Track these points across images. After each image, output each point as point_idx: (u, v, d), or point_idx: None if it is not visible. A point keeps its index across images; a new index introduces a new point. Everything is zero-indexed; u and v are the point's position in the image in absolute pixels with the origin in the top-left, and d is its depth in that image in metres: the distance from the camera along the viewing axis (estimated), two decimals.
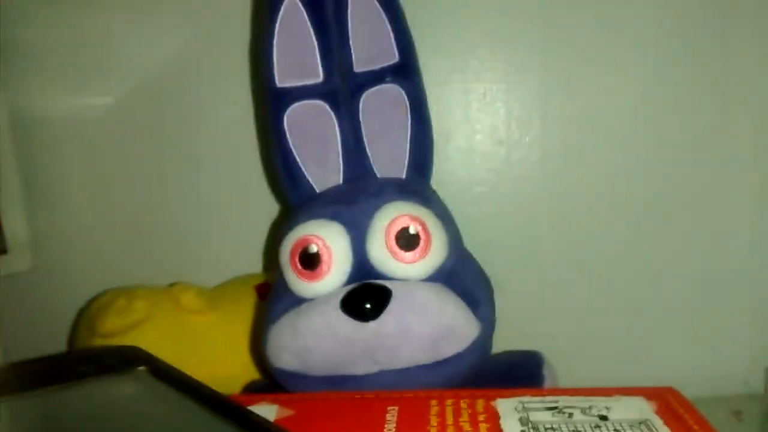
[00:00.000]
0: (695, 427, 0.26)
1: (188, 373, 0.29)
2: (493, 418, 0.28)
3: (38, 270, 0.51)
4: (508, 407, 0.29)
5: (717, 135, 0.49)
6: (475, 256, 0.40)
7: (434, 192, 0.39)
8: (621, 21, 0.49)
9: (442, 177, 0.46)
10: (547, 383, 0.37)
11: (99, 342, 0.41)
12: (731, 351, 0.51)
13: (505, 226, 0.51)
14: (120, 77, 0.50)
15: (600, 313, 0.51)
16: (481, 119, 0.50)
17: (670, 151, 0.50)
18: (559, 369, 0.39)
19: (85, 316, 0.44)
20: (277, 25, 0.37)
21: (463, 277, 0.35)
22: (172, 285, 0.44)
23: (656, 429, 0.26)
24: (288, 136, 0.38)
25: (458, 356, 0.33)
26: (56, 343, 0.49)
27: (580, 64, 0.49)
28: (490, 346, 0.36)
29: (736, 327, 0.51)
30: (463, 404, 0.29)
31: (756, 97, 0.49)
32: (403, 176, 0.39)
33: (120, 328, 0.41)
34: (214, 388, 0.28)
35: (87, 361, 0.31)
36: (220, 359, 0.43)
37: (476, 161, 0.50)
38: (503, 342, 0.39)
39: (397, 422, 0.28)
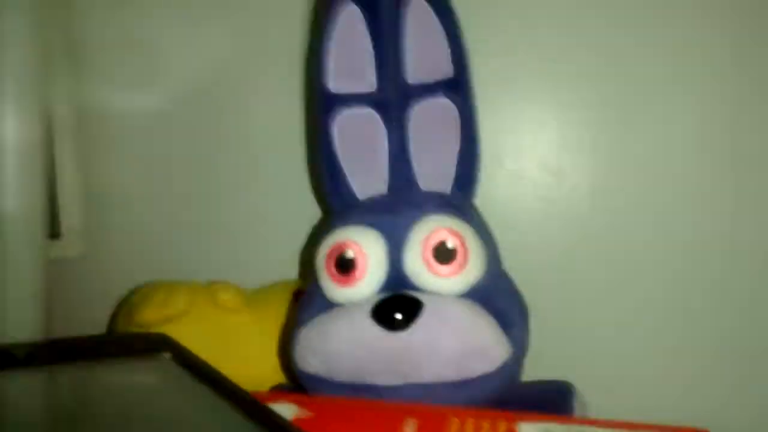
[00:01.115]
0: None
1: (220, 369, 0.29)
2: None
3: (87, 257, 0.52)
4: (530, 431, 0.28)
5: None
6: (512, 280, 0.39)
7: (476, 209, 0.39)
8: (681, 57, 0.47)
9: (489, 201, 0.45)
10: (576, 415, 0.36)
11: (135, 331, 0.42)
12: (759, 393, 0.48)
13: (551, 257, 0.50)
14: (175, 79, 0.52)
15: (637, 353, 0.49)
16: (533, 145, 0.49)
17: (724, 196, 0.48)
18: (592, 406, 0.38)
19: (126, 304, 0.45)
20: (335, 30, 0.37)
21: (498, 297, 0.35)
22: (211, 282, 0.45)
23: None
24: (335, 141, 0.38)
25: (486, 377, 0.33)
26: (97, 328, 0.50)
27: (637, 91, 0.48)
28: (519, 371, 0.35)
29: (764, 370, 0.49)
30: (484, 424, 0.29)
31: None
32: (448, 191, 0.38)
33: (157, 320, 0.41)
34: (244, 386, 0.28)
35: (116, 343, 0.31)
36: (251, 359, 0.43)
37: (526, 189, 0.50)
38: (533, 371, 0.38)
39: None
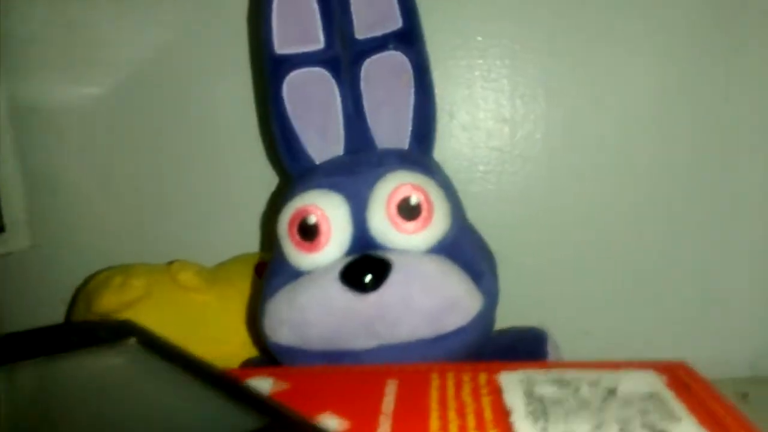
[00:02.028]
0: (708, 401, 0.25)
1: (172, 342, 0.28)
2: (496, 391, 0.27)
3: (37, 248, 0.50)
4: (511, 380, 0.28)
5: (724, 118, 0.48)
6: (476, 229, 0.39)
7: (436, 163, 0.38)
8: (632, 4, 0.48)
9: (445, 154, 0.45)
10: (551, 359, 0.36)
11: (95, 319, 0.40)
12: (738, 335, 0.51)
13: (508, 204, 0.50)
14: (117, 56, 0.50)
15: (604, 293, 0.50)
16: (485, 96, 0.49)
17: (676, 131, 0.49)
18: (563, 344, 0.38)
19: (83, 293, 0.43)
20: None
21: (465, 249, 0.34)
22: (170, 263, 0.43)
23: (667, 402, 0.25)
24: (287, 104, 0.37)
25: (461, 330, 0.32)
26: (54, 321, 0.49)
27: (586, 41, 0.48)
28: (493, 320, 0.35)
29: (743, 311, 0.50)
30: (465, 377, 0.28)
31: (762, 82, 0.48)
32: (405, 147, 0.37)
33: (117, 306, 0.40)
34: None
35: (78, 333, 0.30)
36: (218, 338, 0.42)
37: (480, 139, 0.49)
38: (504, 317, 0.38)
39: (397, 394, 0.27)
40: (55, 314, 0.49)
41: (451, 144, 0.49)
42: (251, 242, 0.49)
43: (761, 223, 0.49)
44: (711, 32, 0.48)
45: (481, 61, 0.49)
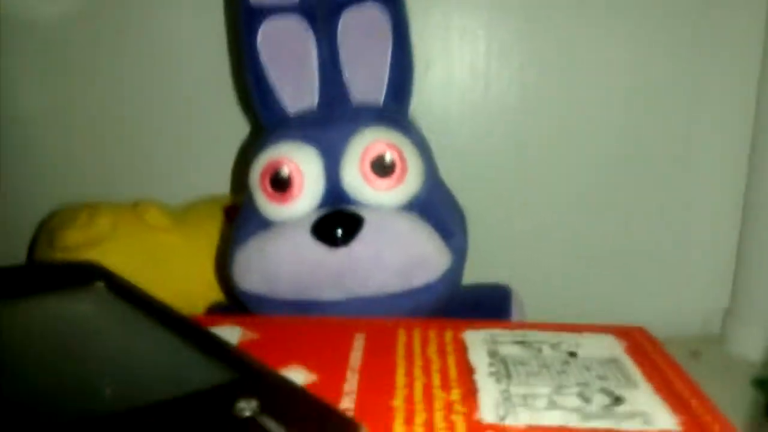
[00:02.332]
0: (664, 368, 0.26)
1: (151, 290, 0.28)
2: (461, 349, 0.27)
3: None
4: (476, 339, 0.28)
5: (694, 91, 0.49)
6: (447, 185, 0.39)
7: (412, 121, 0.38)
8: None
9: (419, 107, 0.45)
10: (515, 316, 0.37)
11: (59, 256, 0.40)
12: (689, 294, 0.52)
13: (479, 159, 0.50)
14: None
15: (566, 251, 0.51)
16: (461, 52, 0.49)
17: (648, 94, 0.49)
18: (526, 301, 0.39)
19: (45, 229, 0.43)
20: None
21: (437, 208, 0.35)
22: (136, 202, 0.43)
23: (625, 368, 0.26)
24: (261, 53, 0.36)
25: (429, 286, 0.33)
26: (15, 257, 0.48)
27: (563, 2, 0.48)
28: (460, 277, 0.36)
29: (695, 271, 0.52)
30: (431, 334, 0.29)
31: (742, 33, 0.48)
32: (381, 102, 0.37)
33: (81, 243, 0.40)
34: (177, 305, 0.27)
35: (44, 274, 0.30)
36: (184, 277, 0.42)
37: (454, 94, 0.49)
38: (471, 273, 0.38)
39: (364, 348, 0.27)
40: (17, 250, 0.48)
41: (425, 98, 0.49)
42: (219, 184, 0.49)
43: (718, 186, 0.51)
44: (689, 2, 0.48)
45: (457, 18, 0.48)
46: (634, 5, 0.48)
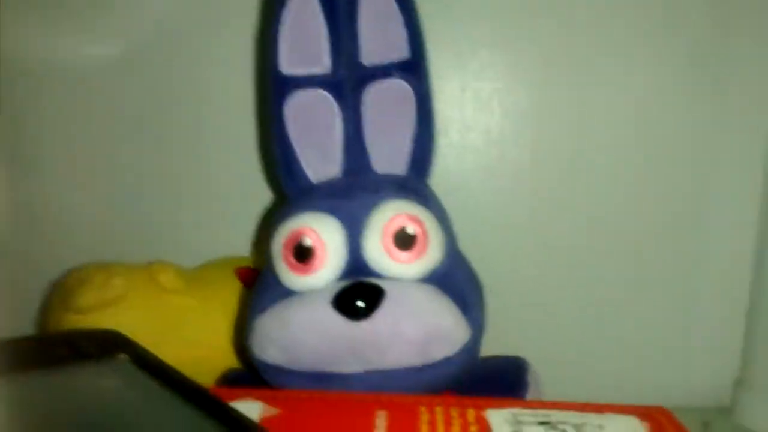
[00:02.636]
0: None
1: (164, 353, 0.28)
2: (485, 429, 0.27)
3: (10, 242, 0.49)
4: (499, 419, 0.28)
5: (712, 147, 0.49)
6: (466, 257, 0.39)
7: (432, 192, 0.38)
8: (620, 31, 0.49)
9: (434, 172, 0.45)
10: (532, 389, 0.37)
11: (73, 318, 0.40)
12: (699, 365, 0.52)
13: (495, 226, 0.50)
14: (118, 40, 0.48)
15: (578, 322, 0.51)
16: (476, 118, 0.49)
17: (660, 159, 0.50)
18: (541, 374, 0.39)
19: (59, 290, 0.42)
20: (287, 9, 0.36)
21: (456, 280, 0.35)
22: (150, 263, 0.43)
23: None
24: (288, 124, 0.37)
25: (448, 360, 0.33)
26: (27, 318, 0.48)
27: (578, 69, 0.49)
28: (479, 350, 0.36)
29: (707, 342, 0.52)
30: (453, 413, 0.29)
31: (753, 98, 0.49)
32: (403, 172, 0.38)
33: (96, 305, 0.40)
34: (190, 369, 0.27)
35: (64, 344, 0.29)
36: (196, 341, 0.42)
37: (469, 159, 0.50)
38: (487, 345, 0.38)
39: (387, 428, 0.27)
40: (28, 311, 0.48)
41: (439, 162, 0.49)
42: (233, 246, 0.49)
43: (728, 257, 0.51)
44: (700, 55, 0.49)
45: (474, 83, 0.49)
46: (648, 63, 0.49)
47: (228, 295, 0.44)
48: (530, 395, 0.36)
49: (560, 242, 0.50)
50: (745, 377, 0.51)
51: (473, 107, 0.49)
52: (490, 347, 0.38)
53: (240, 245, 0.49)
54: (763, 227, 0.50)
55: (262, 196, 0.49)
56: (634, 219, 0.50)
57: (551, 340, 0.50)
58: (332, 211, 0.34)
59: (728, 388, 0.52)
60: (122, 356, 0.28)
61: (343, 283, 0.33)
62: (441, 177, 0.47)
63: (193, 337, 0.42)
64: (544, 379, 0.39)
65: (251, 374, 0.37)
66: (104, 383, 0.27)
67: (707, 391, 0.52)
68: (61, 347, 0.29)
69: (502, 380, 0.37)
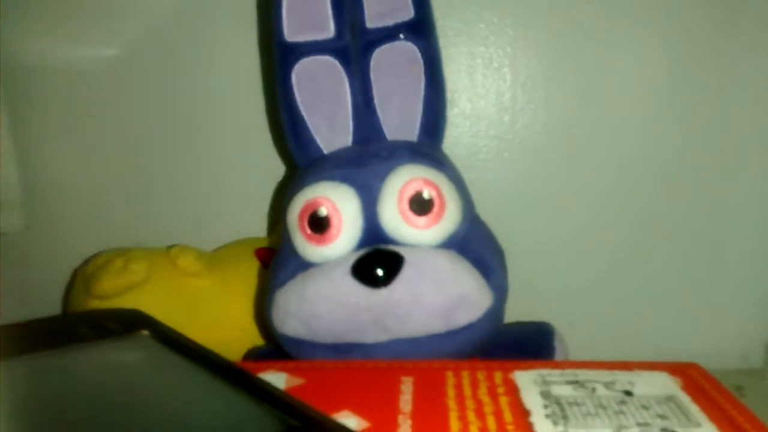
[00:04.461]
0: (724, 404, 0.25)
1: (187, 336, 0.28)
2: (513, 391, 0.27)
3: (32, 229, 0.49)
4: (527, 380, 0.28)
5: (724, 112, 0.49)
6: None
7: (446, 156, 0.38)
8: None
9: (446, 142, 0.45)
10: (558, 355, 0.36)
11: (95, 303, 0.40)
12: (730, 327, 0.51)
13: (507, 193, 0.50)
14: (122, 27, 0.48)
15: (601, 285, 0.51)
16: (487, 85, 0.49)
17: (675, 124, 0.49)
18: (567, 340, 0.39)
19: (81, 276, 0.43)
20: None
21: (476, 245, 0.34)
22: (170, 247, 0.43)
23: (685, 406, 0.25)
24: (296, 92, 0.36)
25: (471, 325, 0.32)
26: (50, 305, 0.48)
27: (588, 32, 0.48)
28: (502, 315, 0.35)
29: (736, 303, 0.51)
30: (480, 376, 0.28)
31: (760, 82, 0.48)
32: (415, 138, 0.37)
33: (117, 290, 0.40)
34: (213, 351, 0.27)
35: (86, 323, 0.29)
36: (218, 323, 0.42)
37: (480, 127, 0.49)
38: (510, 311, 0.38)
39: (413, 392, 0.27)
40: (51, 297, 0.48)
41: (451, 132, 0.49)
42: (252, 227, 0.49)
43: (754, 216, 0.50)
44: (709, 22, 0.48)
45: (483, 49, 0.49)
46: (659, 30, 0.48)
47: (248, 275, 0.44)
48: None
49: (577, 207, 0.50)
50: None
51: (483, 75, 0.48)
52: (513, 313, 0.38)
53: (257, 226, 0.49)
54: None
55: (277, 174, 0.49)
56: (653, 180, 0.49)
57: (573, 303, 0.50)
58: (346, 180, 0.34)
59: (760, 350, 0.51)
60: (144, 332, 0.28)
61: (361, 252, 0.32)
62: (453, 147, 0.47)
63: (215, 318, 0.42)
64: (569, 346, 0.38)
65: (276, 351, 0.37)
66: (127, 358, 0.27)
67: (738, 354, 0.51)
68: (84, 326, 0.29)
69: (528, 346, 0.37)
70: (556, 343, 0.36)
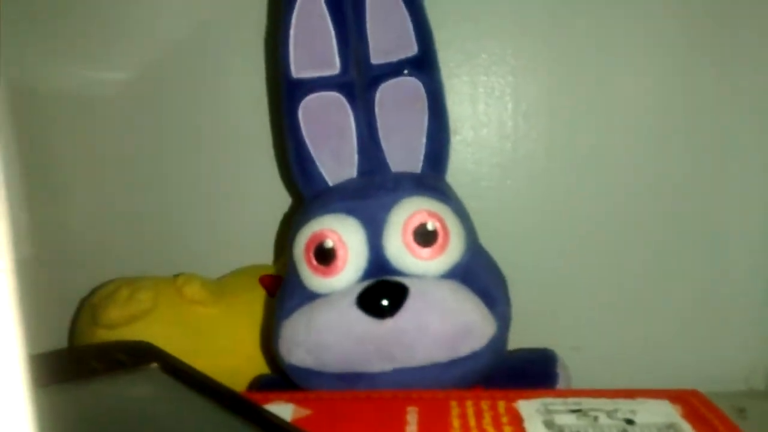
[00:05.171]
0: (722, 430, 0.26)
1: (193, 364, 0.28)
2: (517, 421, 0.27)
3: (38, 259, 0.50)
4: (530, 409, 0.28)
5: (723, 135, 0.49)
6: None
7: (450, 187, 0.39)
8: (629, 19, 0.48)
9: (449, 169, 0.45)
10: (561, 381, 0.37)
11: (101, 333, 0.40)
12: (732, 349, 0.51)
13: (510, 220, 0.50)
14: (132, 57, 0.49)
15: (603, 310, 0.51)
16: (489, 113, 0.49)
17: (676, 149, 0.49)
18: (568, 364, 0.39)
19: (88, 306, 0.43)
20: (295, 14, 0.36)
21: (479, 275, 0.35)
22: (176, 276, 0.43)
23: None
24: (302, 127, 0.37)
25: (475, 354, 0.33)
26: (57, 335, 0.48)
27: (588, 60, 0.49)
28: (505, 344, 0.36)
29: (737, 326, 0.51)
30: (484, 405, 0.29)
31: (760, 93, 0.48)
32: (419, 170, 0.38)
33: (123, 319, 0.40)
34: (220, 379, 0.27)
35: (96, 356, 0.30)
36: (224, 351, 0.42)
37: (483, 155, 0.50)
38: (513, 339, 0.38)
39: (418, 423, 0.27)
40: (58, 327, 0.49)
41: (454, 159, 0.49)
42: (257, 255, 0.49)
43: (757, 238, 0.50)
44: (709, 44, 0.48)
45: (485, 78, 0.49)
46: (659, 56, 0.48)
47: (254, 303, 0.44)
48: (560, 387, 0.36)
49: (579, 234, 0.50)
50: None
51: (485, 103, 0.49)
52: (517, 340, 0.38)
53: (263, 254, 0.50)
54: None
55: (283, 204, 0.49)
56: (653, 207, 0.50)
57: (576, 329, 0.50)
58: (351, 212, 0.34)
59: (762, 373, 0.51)
60: (153, 365, 0.29)
61: (366, 283, 0.33)
62: (456, 175, 0.47)
63: (221, 347, 0.42)
64: (572, 371, 0.39)
65: (281, 379, 0.37)
66: (137, 392, 0.27)
67: (741, 376, 0.51)
68: (94, 359, 0.29)
69: (531, 373, 0.37)
70: (559, 370, 0.37)
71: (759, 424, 0.46)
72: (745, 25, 0.48)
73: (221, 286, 0.45)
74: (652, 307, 0.51)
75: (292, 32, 0.36)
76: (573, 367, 0.39)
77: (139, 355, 0.29)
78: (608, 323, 0.51)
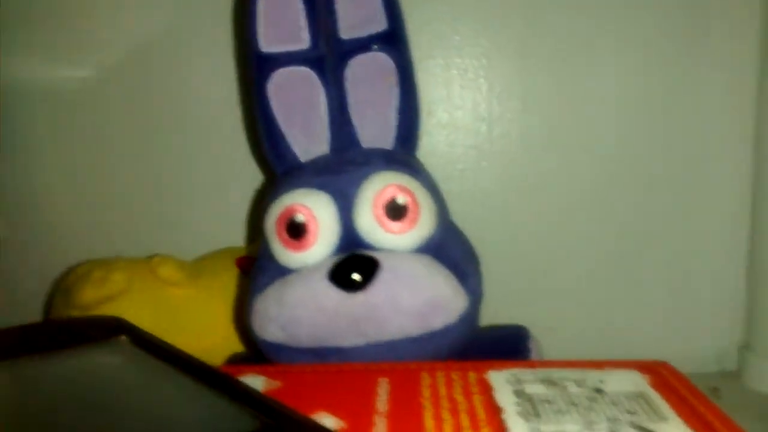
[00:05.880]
0: (692, 401, 0.26)
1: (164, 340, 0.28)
2: (486, 390, 0.27)
3: (11, 240, 0.49)
4: (500, 380, 0.28)
5: (697, 116, 0.50)
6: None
7: (421, 163, 0.39)
8: (603, 8, 0.49)
9: (423, 152, 0.45)
10: (533, 356, 0.37)
11: (76, 314, 0.40)
12: (705, 331, 0.52)
13: (485, 202, 0.51)
14: (102, 48, 0.49)
15: (578, 291, 0.51)
16: (463, 95, 0.50)
17: (651, 132, 0.50)
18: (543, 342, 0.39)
19: (61, 287, 0.43)
20: None
21: (451, 249, 0.35)
22: (150, 257, 0.43)
23: (654, 402, 0.26)
24: (272, 103, 0.37)
25: (447, 328, 0.33)
26: (31, 316, 0.48)
27: (562, 41, 0.49)
28: (477, 319, 0.36)
29: (710, 308, 0.52)
30: (454, 376, 0.29)
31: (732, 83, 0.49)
32: (390, 147, 0.38)
33: (97, 300, 0.40)
34: None
35: (65, 330, 0.30)
36: (199, 332, 0.42)
37: (457, 137, 0.50)
38: (486, 315, 0.38)
39: (389, 393, 0.27)
40: (32, 308, 0.48)
41: (429, 142, 0.49)
42: (232, 236, 0.49)
43: (728, 221, 0.51)
44: (682, 27, 0.49)
45: (458, 60, 0.49)
46: (633, 37, 0.49)
47: (229, 284, 0.44)
48: None
49: (554, 216, 0.51)
50: (751, 341, 0.51)
51: (459, 85, 0.49)
52: (489, 317, 0.39)
53: (237, 235, 0.50)
54: (759, 187, 0.50)
55: (256, 184, 0.49)
56: (628, 188, 0.50)
57: (550, 309, 0.50)
58: (322, 187, 0.34)
59: (733, 353, 0.52)
60: (123, 338, 0.28)
61: (337, 257, 0.33)
62: (431, 157, 0.48)
63: (196, 327, 0.42)
64: (545, 348, 0.39)
65: (256, 358, 0.37)
66: (107, 363, 0.27)
67: (711, 356, 0.52)
68: (63, 332, 0.29)
69: (503, 349, 0.37)
70: (531, 345, 0.37)
71: (732, 401, 0.46)
72: (718, 15, 0.48)
73: (196, 268, 0.45)
74: (626, 289, 0.51)
75: (260, 5, 0.36)
76: (547, 348, 0.39)
77: (108, 329, 0.29)
78: (582, 305, 0.51)
